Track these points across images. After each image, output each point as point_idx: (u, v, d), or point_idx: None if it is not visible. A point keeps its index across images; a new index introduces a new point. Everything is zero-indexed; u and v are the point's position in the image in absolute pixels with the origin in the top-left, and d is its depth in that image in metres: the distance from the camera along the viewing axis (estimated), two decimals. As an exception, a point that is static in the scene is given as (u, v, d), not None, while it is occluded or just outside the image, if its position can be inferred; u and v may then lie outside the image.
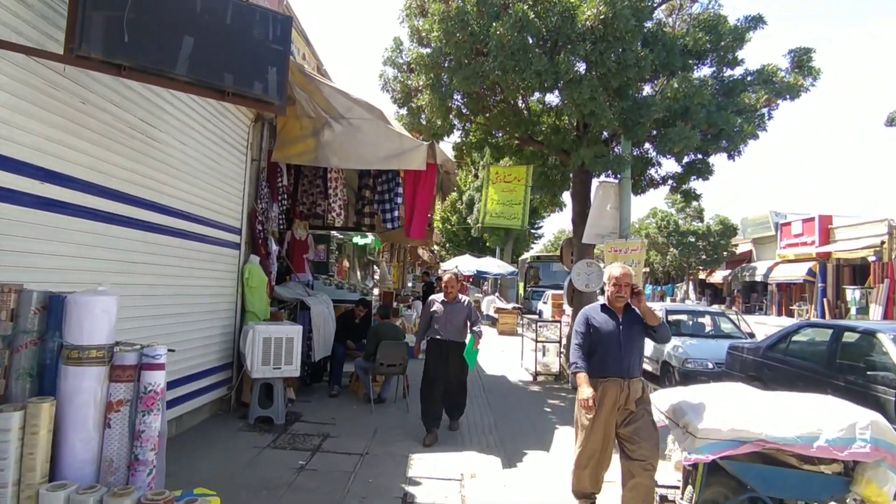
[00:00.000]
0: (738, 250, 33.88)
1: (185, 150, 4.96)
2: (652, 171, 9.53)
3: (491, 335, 15.95)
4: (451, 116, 9.19)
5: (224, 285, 5.96)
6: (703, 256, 32.74)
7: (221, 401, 6.07)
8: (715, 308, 10.90)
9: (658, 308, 10.18)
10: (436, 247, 35.01)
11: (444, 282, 5.73)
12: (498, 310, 16.36)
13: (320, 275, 9.67)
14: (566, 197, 11.65)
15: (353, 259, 13.49)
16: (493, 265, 19.90)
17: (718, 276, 34.72)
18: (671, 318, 9.75)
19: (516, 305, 17.21)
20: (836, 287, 27.11)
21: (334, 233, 10.57)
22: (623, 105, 7.70)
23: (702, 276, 36.62)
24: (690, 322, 10.09)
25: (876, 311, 21.98)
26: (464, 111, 9.38)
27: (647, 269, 40.92)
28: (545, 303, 18.95)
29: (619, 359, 3.68)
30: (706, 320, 10.11)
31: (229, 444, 5.02)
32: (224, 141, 5.77)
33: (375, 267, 15.08)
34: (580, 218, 9.30)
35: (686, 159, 8.35)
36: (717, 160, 8.43)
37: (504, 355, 12.01)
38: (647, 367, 9.86)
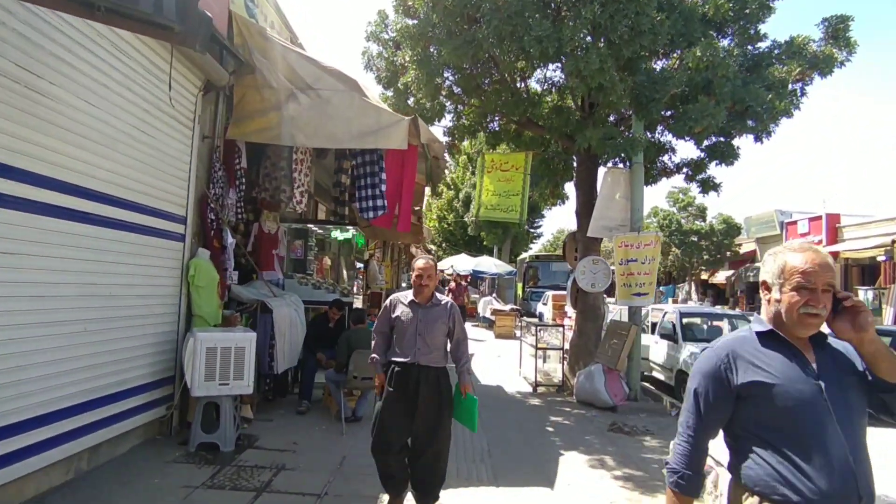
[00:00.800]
0: (742, 250, 32.92)
1: (96, 115, 3.93)
2: (665, 159, 8.52)
3: (488, 338, 14.92)
4: (441, 96, 8.18)
5: (162, 284, 4.93)
6: (706, 256, 31.74)
7: (160, 423, 5.03)
8: (735, 310, 9.81)
9: (671, 309, 9.18)
10: (432, 246, 33.96)
11: (415, 271, 3.67)
12: (495, 311, 15.33)
13: (297, 273, 8.64)
14: (569, 189, 10.66)
15: (339, 257, 12.45)
16: (491, 264, 18.84)
17: (721, 277, 33.73)
18: (685, 321, 8.72)
19: (514, 307, 16.19)
20: (844, 287, 26.09)
21: (314, 227, 9.55)
22: (636, 79, 6.69)
23: (704, 276, 35.61)
24: (706, 326, 9.06)
25: (889, 312, 20.99)
26: (455, 91, 8.36)
27: (648, 270, 39.81)
28: (545, 304, 17.93)
29: (839, 453, 1.52)
30: (725, 324, 9.08)
31: (153, 482, 3.99)
32: (160, 110, 4.74)
33: (359, 265, 14.00)
34: (585, 209, 8.29)
35: (707, 142, 7.32)
36: (741, 143, 7.40)
37: (501, 361, 10.98)
38: (660, 375, 8.86)
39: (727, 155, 7.02)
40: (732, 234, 31.67)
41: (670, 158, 8.53)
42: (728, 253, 31.74)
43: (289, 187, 6.28)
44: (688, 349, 7.97)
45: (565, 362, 8.44)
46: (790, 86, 6.80)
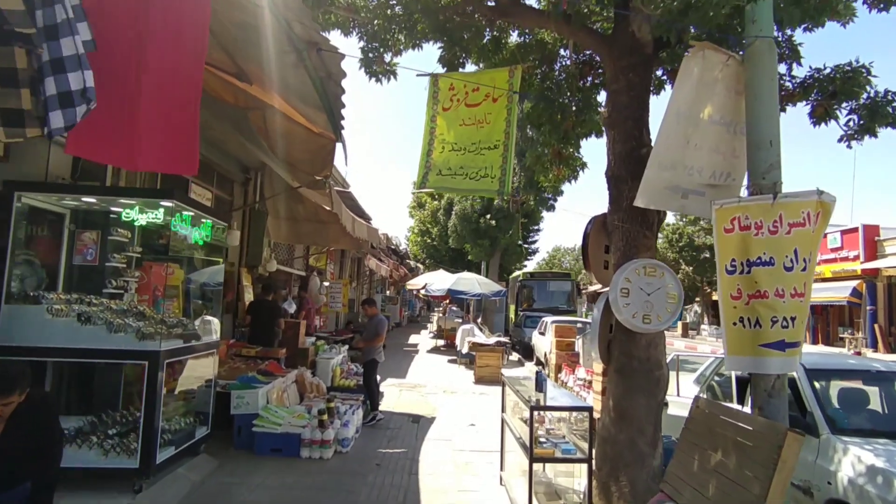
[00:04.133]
0: (760, 268, 28.57)
1: None
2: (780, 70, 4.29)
3: (465, 384, 10.51)
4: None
5: None
6: (722, 275, 27.42)
7: None
8: None
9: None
10: (420, 266, 29.60)
11: None
12: (475, 346, 10.95)
13: (71, 294, 4.30)
14: (590, 147, 6.36)
15: (236, 270, 8.12)
16: (473, 282, 14.42)
17: (737, 298, 29.31)
18: (821, 385, 4.39)
19: (501, 339, 11.76)
20: (889, 310, 21.82)
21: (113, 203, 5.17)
22: None
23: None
24: (859, 394, 4.69)
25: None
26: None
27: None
28: (542, 333, 13.55)
29: None
30: (878, 390, 4.71)
31: None
32: None
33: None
34: (628, 165, 4.03)
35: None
36: None
37: (475, 438, 6.59)
38: None
39: None
40: (750, 249, 27.45)
41: (789, 72, 4.31)
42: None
43: None
44: (852, 455, 3.63)
45: (590, 467, 4.05)
46: None
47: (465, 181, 4.77)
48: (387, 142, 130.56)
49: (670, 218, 31.13)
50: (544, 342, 12.95)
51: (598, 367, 5.70)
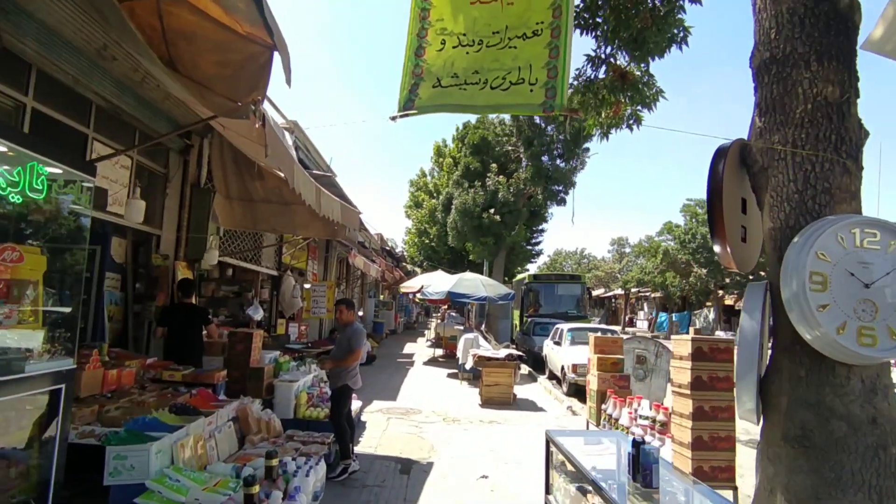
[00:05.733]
0: (778, 270, 26.55)
1: None
2: None
3: (468, 408, 8.40)
4: None
5: None
6: (738, 277, 25.46)
7: None
8: None
9: None
10: (417, 269, 27.53)
11: None
12: (481, 359, 8.84)
13: None
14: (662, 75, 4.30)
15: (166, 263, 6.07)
16: (477, 283, 12.23)
17: (752, 302, 27.25)
18: None
19: (512, 352, 9.62)
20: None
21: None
22: None
23: (729, 301, 29.32)
24: None
25: None
26: None
27: (662, 293, 33.69)
28: (557, 342, 11.47)
29: None
30: None
31: None
32: None
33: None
34: (805, 30, 1.99)
35: None
36: None
37: (489, 496, 4.52)
38: None
39: None
40: (768, 250, 25.42)
41: None
42: (763, 273, 25.43)
43: None
44: None
45: None
46: None
47: (482, 93, 2.72)
48: (387, 142, 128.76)
49: (679, 221, 29.06)
50: (560, 353, 10.88)
51: (686, 404, 3.63)
